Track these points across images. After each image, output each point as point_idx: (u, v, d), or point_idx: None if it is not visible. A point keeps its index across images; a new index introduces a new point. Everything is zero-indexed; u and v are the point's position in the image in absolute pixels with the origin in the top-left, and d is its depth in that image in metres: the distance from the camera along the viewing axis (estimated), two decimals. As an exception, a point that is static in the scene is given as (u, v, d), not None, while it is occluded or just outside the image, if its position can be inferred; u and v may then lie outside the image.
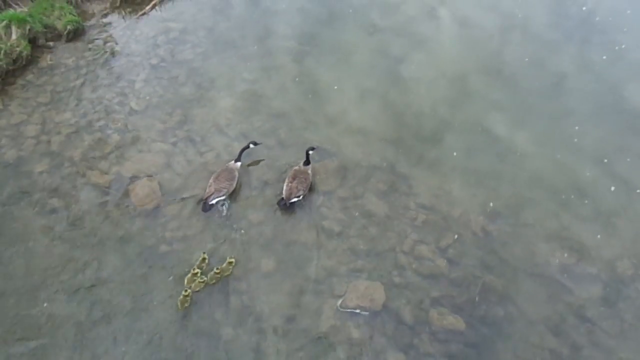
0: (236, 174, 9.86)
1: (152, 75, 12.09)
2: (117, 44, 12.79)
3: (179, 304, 8.19)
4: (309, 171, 9.98)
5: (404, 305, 8.51)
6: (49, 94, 11.37)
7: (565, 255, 9.19)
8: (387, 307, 8.47)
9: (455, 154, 10.72)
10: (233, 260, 8.69)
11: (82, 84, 11.68)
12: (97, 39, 12.84)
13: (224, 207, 9.65)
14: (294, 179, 9.72)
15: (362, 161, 10.51)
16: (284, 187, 9.70)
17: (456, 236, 9.40)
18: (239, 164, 10.04)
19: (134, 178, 9.96)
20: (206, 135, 10.84)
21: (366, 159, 10.55)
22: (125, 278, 8.58)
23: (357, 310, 8.39)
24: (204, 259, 8.70)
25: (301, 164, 10.05)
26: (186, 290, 8.19)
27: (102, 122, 10.95)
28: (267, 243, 9.18)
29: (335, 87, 12.01)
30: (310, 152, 10.04)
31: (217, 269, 8.48)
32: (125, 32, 13.11)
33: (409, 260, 9.07)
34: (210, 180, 9.71)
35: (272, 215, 9.57)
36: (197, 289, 8.36)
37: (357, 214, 9.69)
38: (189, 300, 8.22)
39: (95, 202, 9.57)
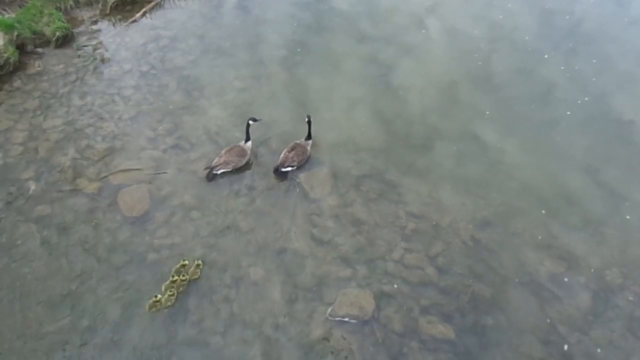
0: (248, 152, 10.32)
1: (142, 82, 12.02)
2: (106, 50, 12.73)
3: (147, 307, 8.12)
4: (309, 147, 10.47)
5: (393, 313, 8.46)
6: (37, 100, 11.27)
7: (554, 264, 9.19)
8: (377, 316, 8.41)
9: (444, 162, 10.73)
10: (200, 262, 8.64)
11: (71, 91, 11.59)
12: (86, 45, 12.78)
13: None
14: (292, 150, 10.23)
15: (352, 169, 10.50)
16: (281, 155, 10.19)
17: (445, 245, 9.38)
18: (249, 143, 10.40)
19: (122, 185, 9.86)
20: (196, 143, 10.79)
21: (356, 167, 10.54)
22: (113, 286, 8.46)
23: (347, 319, 8.32)
24: (183, 265, 8.58)
25: (303, 139, 10.54)
26: (156, 296, 8.10)
27: (90, 129, 10.86)
28: (256, 250, 9.12)
29: (326, 96, 12.01)
30: (307, 120, 10.33)
31: (184, 275, 8.36)
32: (115, 39, 13.05)
33: (398, 268, 9.03)
34: (222, 152, 10.15)
35: (262, 223, 9.51)
36: (169, 304, 8.21)
37: (346, 222, 9.65)
38: (158, 306, 8.13)
39: (83, 209, 9.46)
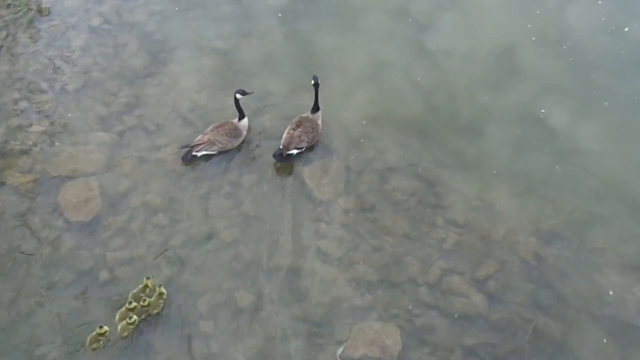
0: (243, 133, 10.40)
1: (93, 41, 12.07)
2: (45, -2, 12.78)
3: (87, 341, 8.06)
4: (319, 121, 10.48)
5: (426, 356, 8.46)
6: (-47, 64, 11.39)
7: (647, 291, 9.15)
8: (405, 359, 8.41)
9: (498, 152, 10.73)
10: (164, 291, 8.57)
11: (-2, 53, 11.65)
12: (18, -9, 12.83)
13: None
14: (298, 126, 10.24)
15: (374, 161, 10.52)
16: (284, 135, 10.17)
17: (499, 264, 9.37)
18: (245, 121, 10.48)
19: (65, 179, 9.92)
20: (163, 123, 10.83)
21: (379, 158, 10.55)
22: (53, 315, 8.47)
23: (364, 362, 8.36)
24: (146, 285, 8.57)
25: (309, 112, 10.52)
26: (102, 327, 8.07)
27: (23, 104, 10.91)
28: (244, 269, 9.14)
29: (339, 61, 12.02)
30: (313, 82, 10.28)
31: (144, 300, 8.33)
32: (56, -18, 13.11)
33: (434, 295, 9.04)
34: (208, 128, 10.23)
35: (251, 232, 9.53)
36: (125, 334, 8.24)
37: (365, 232, 9.66)
38: (102, 341, 8.12)
39: (12, 210, 9.50)
